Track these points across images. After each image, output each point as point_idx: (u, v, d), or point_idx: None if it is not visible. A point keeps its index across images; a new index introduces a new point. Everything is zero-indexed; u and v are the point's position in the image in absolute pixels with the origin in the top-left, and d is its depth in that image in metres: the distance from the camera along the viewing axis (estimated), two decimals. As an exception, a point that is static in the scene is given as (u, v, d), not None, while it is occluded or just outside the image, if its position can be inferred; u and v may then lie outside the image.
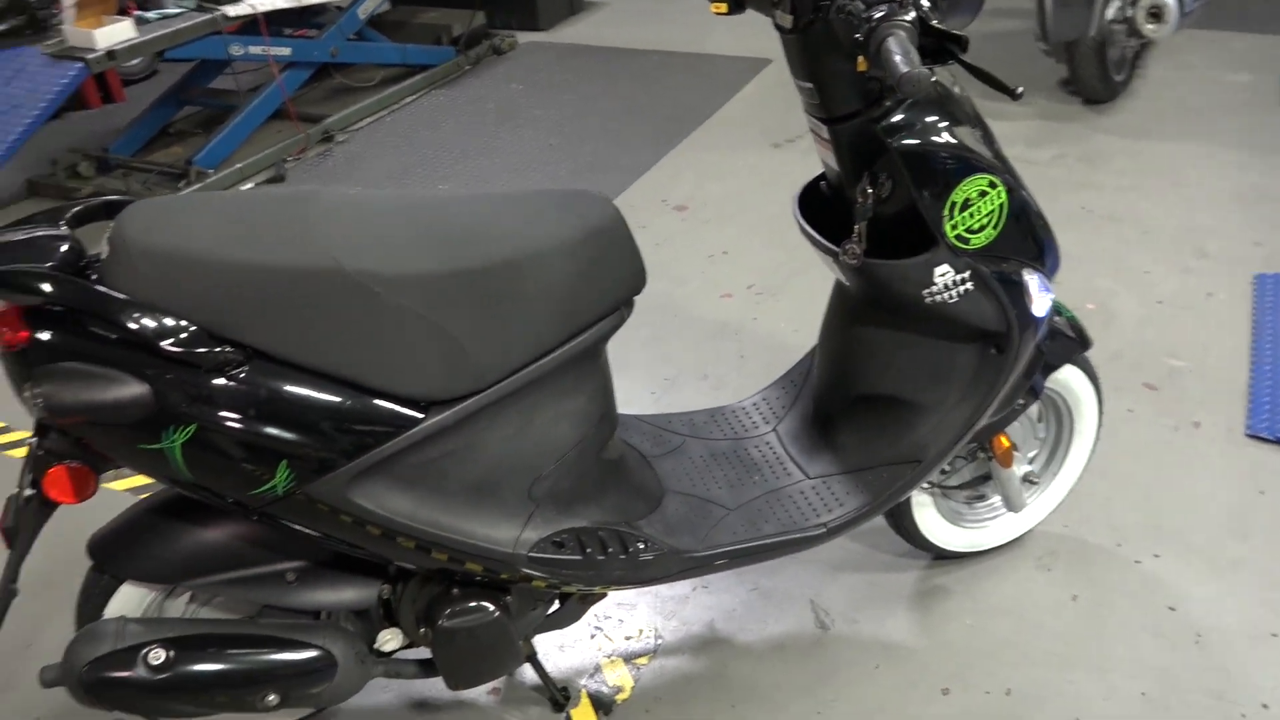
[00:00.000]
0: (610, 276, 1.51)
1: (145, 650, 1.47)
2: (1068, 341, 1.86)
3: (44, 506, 1.43)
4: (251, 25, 4.09)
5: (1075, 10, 3.80)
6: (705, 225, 3.49)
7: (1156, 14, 3.89)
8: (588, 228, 1.48)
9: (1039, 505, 2.06)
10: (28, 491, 1.42)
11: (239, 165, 4.06)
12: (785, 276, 3.13)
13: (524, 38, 5.55)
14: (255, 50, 4.13)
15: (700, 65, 4.95)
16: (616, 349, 2.81)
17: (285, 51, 4.28)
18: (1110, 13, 3.91)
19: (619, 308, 1.56)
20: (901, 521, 1.97)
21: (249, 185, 4.05)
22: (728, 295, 3.07)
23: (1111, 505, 2.20)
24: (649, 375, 2.74)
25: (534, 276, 1.43)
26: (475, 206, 1.47)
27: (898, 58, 1.27)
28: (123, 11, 3.70)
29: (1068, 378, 1.91)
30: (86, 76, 3.50)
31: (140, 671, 1.46)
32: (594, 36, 5.54)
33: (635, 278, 1.55)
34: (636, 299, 1.57)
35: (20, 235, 1.34)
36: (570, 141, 4.23)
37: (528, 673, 1.91)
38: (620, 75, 4.93)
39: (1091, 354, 2.61)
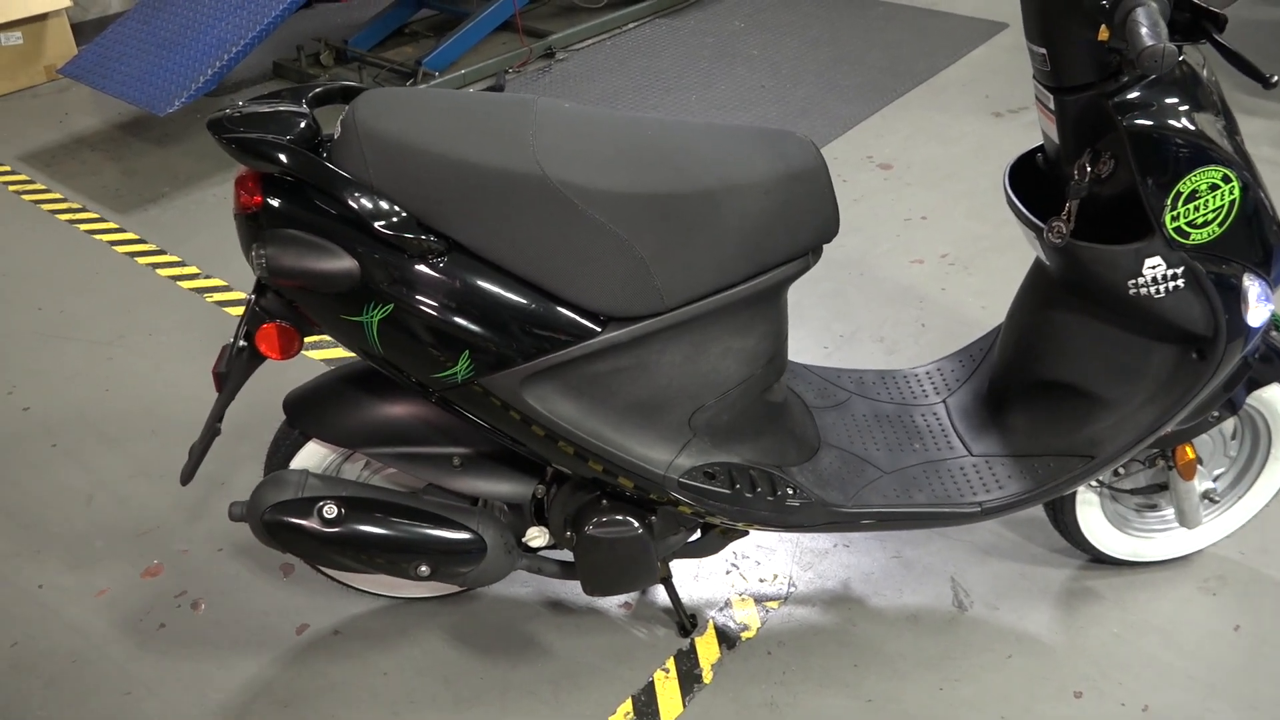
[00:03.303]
0: (803, 220, 1.51)
1: (321, 504, 1.61)
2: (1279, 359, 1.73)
3: (253, 358, 1.57)
4: (493, -64, 4.21)
5: (1362, 5, 3.45)
6: (907, 187, 3.39)
7: None
8: (789, 169, 1.49)
9: (1215, 526, 1.94)
10: (241, 343, 1.55)
11: (463, 71, 4.22)
12: (982, 250, 3.02)
13: (754, -25, 5.47)
14: (494, -39, 4.26)
15: (931, 22, 4.77)
16: (796, 297, 2.81)
17: (521, -35, 4.39)
18: (1404, 12, 3.52)
19: (807, 253, 1.56)
20: (1062, 516, 1.90)
21: (469, 91, 4.20)
22: (919, 261, 2.99)
23: (1299, 541, 2.05)
24: (825, 329, 2.72)
25: (728, 209, 1.45)
26: (682, 133, 1.50)
27: (1144, 29, 1.20)
28: (378, -90, 3.87)
29: (1274, 398, 1.78)
30: (338, -30, 3.70)
31: (314, 522, 1.60)
32: (825, -19, 5.41)
33: (828, 225, 1.54)
34: (825, 251, 1.56)
35: (265, 108, 1.46)
36: (783, 85, 4.18)
37: (660, 594, 1.98)
38: (846, 23, 4.81)
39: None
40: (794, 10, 4.99)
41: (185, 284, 2.98)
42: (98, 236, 3.23)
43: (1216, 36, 1.30)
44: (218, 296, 2.91)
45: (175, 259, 3.10)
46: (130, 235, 3.24)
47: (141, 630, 1.95)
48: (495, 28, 4.45)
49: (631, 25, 4.87)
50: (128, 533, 2.15)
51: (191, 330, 2.78)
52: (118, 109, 4.06)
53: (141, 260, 3.10)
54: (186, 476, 1.67)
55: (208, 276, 3.01)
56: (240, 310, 2.84)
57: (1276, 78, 1.32)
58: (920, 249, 3.06)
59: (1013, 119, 3.82)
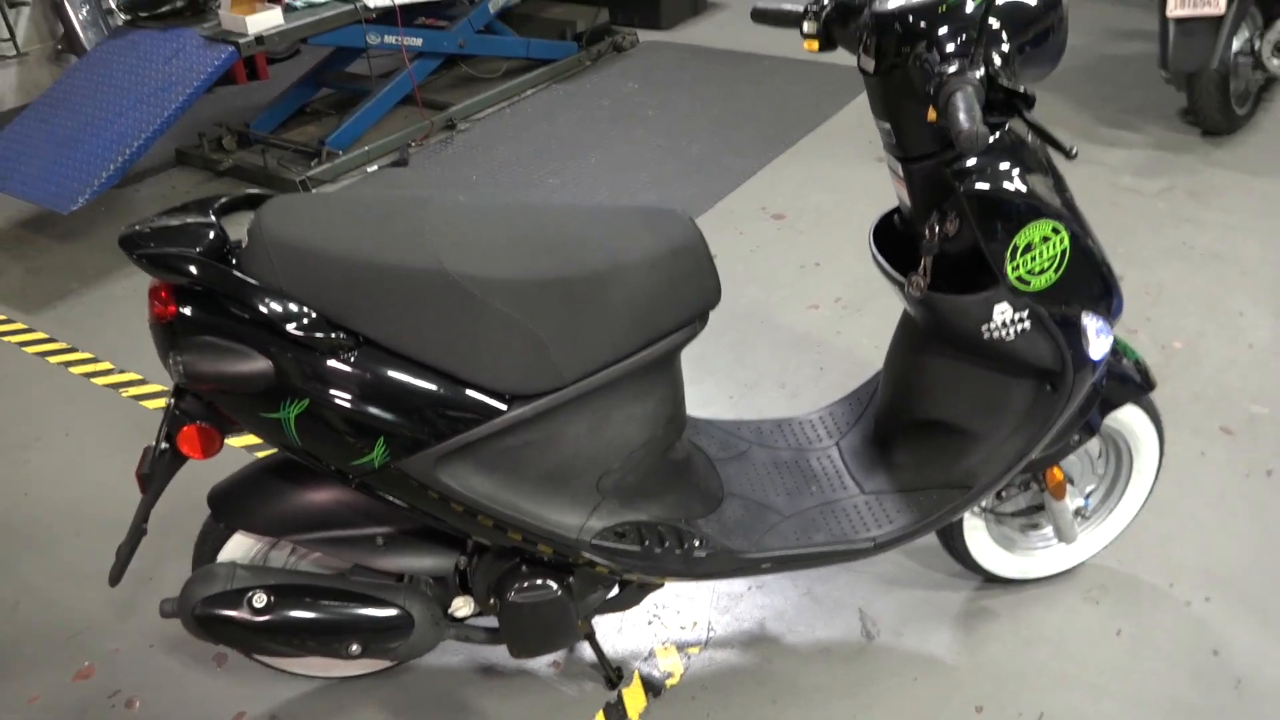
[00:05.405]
0: (688, 292, 1.64)
1: (250, 593, 1.67)
2: (1130, 382, 1.91)
3: (175, 459, 1.63)
4: (388, 15, 4.33)
5: (1199, 41, 3.75)
6: (801, 235, 3.57)
7: (1284, 50, 3.81)
8: (670, 246, 1.62)
9: (1093, 539, 2.11)
10: (162, 445, 1.62)
11: (366, 148, 4.31)
12: (873, 293, 3.20)
13: (645, 36, 5.69)
14: (390, 40, 4.37)
15: (814, 73, 5.01)
16: (701, 349, 2.95)
17: (417, 42, 4.52)
18: (1237, 45, 3.84)
19: (694, 321, 1.68)
20: (953, 542, 2.05)
21: (374, 168, 4.29)
22: (815, 306, 3.16)
23: (1169, 545, 2.23)
24: (730, 379, 2.86)
25: (617, 288, 1.57)
26: (569, 218, 1.62)
27: (961, 114, 1.36)
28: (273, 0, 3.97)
29: (1129, 418, 1.96)
30: (236, 59, 3.77)
31: (245, 612, 1.66)
32: (713, 38, 5.65)
33: (711, 294, 1.67)
34: (723, 305, 1.69)
35: (175, 221, 1.54)
36: (678, 143, 4.36)
37: (586, 650, 2.07)
38: (734, 78, 5.03)
39: (1170, 394, 2.65)
40: (685, 69, 5.20)
41: (99, 380, 3.00)
42: (6, 338, 3.23)
43: (1025, 114, 1.47)
44: (133, 391, 2.94)
45: (87, 355, 3.12)
46: (40, 335, 3.24)
47: (77, 733, 1.97)
48: (396, 102, 4.56)
49: (529, 92, 5.02)
50: (57, 636, 2.17)
51: (108, 427, 2.80)
52: (18, 206, 4.05)
53: (53, 359, 3.11)
54: (115, 578, 1.71)
55: (121, 371, 3.03)
56: (156, 403, 2.87)
57: (1075, 149, 1.49)
58: (815, 294, 3.23)
59: (895, 163, 4.04)
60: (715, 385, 2.84)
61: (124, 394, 2.93)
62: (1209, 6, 3.64)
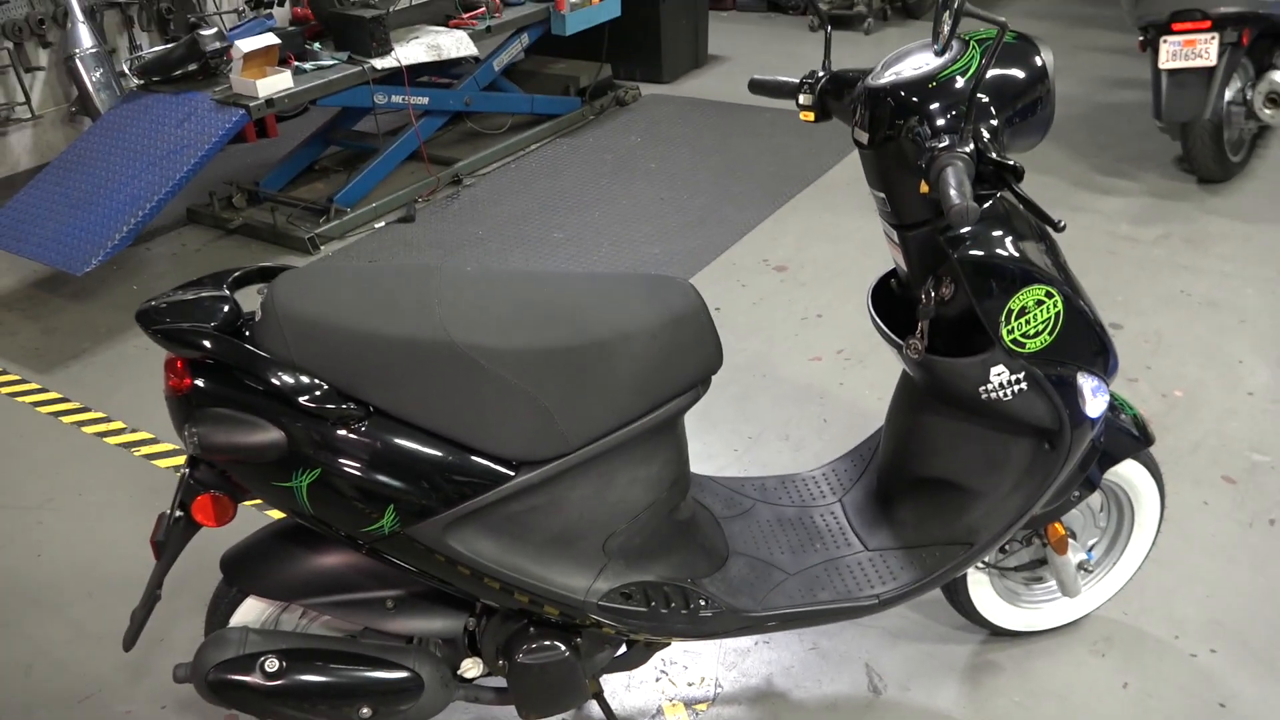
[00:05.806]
0: (689, 358, 1.68)
1: (263, 658, 1.69)
2: (1129, 438, 1.93)
3: (189, 527, 1.67)
4: (394, 75, 4.41)
5: (1191, 91, 3.82)
6: (802, 287, 3.62)
7: (1275, 99, 3.87)
8: (672, 314, 1.66)
9: (1097, 591, 2.12)
10: (177, 513, 1.65)
11: (374, 204, 4.39)
12: (874, 344, 3.24)
13: (647, 90, 5.79)
14: (397, 99, 4.46)
15: (813, 125, 5.08)
16: (705, 405, 2.99)
17: (423, 100, 4.60)
18: (1229, 95, 3.91)
19: (696, 386, 1.72)
20: (958, 597, 2.06)
21: (381, 224, 4.36)
22: (817, 358, 3.20)
23: (1173, 597, 2.24)
24: (734, 432, 2.89)
25: (621, 356, 1.61)
26: (573, 287, 1.66)
27: (951, 190, 1.40)
28: (282, 63, 4.06)
29: (1129, 472, 1.98)
30: (247, 122, 3.86)
31: (257, 677, 1.68)
32: (714, 90, 5.75)
33: (713, 360, 1.71)
34: (726, 357, 1.71)
35: (189, 295, 1.59)
36: (680, 195, 4.42)
37: (595, 709, 2.08)
38: (735, 131, 5.11)
39: (1172, 443, 2.68)
40: (686, 122, 5.29)
41: (112, 440, 3.03)
42: (20, 399, 3.28)
43: (1014, 187, 1.52)
44: (145, 450, 2.97)
45: (100, 415, 3.16)
46: (53, 394, 3.29)
47: (89, 797, 1.98)
48: (403, 159, 4.64)
49: (534, 147, 5.11)
50: (69, 699, 2.19)
51: (121, 487, 2.83)
52: (32, 267, 4.12)
53: (66, 419, 3.15)
54: (129, 642, 1.74)
55: (134, 430, 3.07)
56: (168, 462, 2.91)
57: (1063, 223, 1.53)
58: (818, 346, 3.27)
59: (894, 214, 4.09)
60: (719, 438, 2.87)
61: (136, 453, 2.96)
62: (1200, 58, 3.72)
